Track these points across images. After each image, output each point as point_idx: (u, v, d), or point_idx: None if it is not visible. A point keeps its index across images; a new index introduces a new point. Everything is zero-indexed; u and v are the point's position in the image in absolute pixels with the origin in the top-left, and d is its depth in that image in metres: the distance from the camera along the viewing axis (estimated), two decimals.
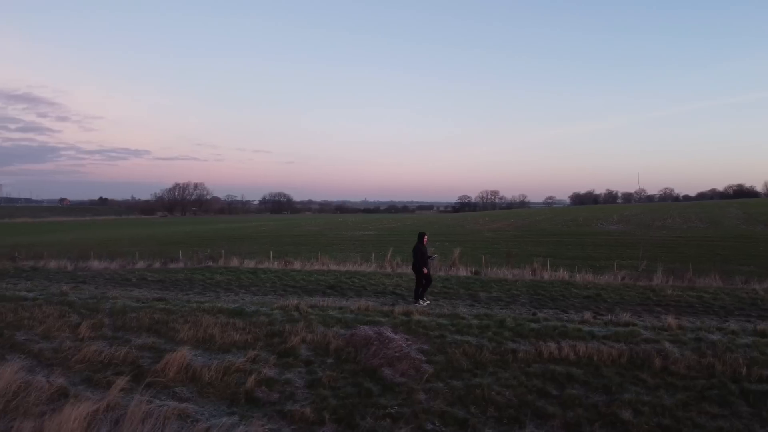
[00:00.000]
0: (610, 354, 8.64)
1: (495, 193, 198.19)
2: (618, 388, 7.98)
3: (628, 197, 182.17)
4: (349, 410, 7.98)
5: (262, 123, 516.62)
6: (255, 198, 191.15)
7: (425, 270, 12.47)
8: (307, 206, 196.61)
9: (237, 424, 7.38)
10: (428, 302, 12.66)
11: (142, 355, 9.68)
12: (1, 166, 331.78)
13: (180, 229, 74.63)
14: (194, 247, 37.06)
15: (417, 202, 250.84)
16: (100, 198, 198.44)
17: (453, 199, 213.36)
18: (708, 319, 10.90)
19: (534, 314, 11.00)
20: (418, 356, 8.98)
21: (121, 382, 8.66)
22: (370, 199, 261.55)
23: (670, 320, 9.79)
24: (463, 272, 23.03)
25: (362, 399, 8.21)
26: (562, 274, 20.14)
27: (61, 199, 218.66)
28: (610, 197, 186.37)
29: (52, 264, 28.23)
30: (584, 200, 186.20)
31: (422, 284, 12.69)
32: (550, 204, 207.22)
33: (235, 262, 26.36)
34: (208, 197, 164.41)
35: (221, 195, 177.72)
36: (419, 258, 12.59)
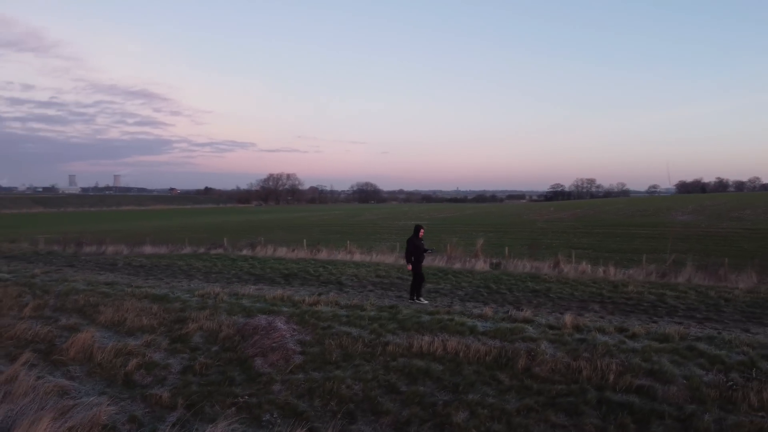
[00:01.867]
0: (478, 351, 8.14)
1: (591, 181, 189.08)
2: (467, 387, 7.53)
3: (740, 186, 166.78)
4: (204, 397, 8.12)
5: (359, 114, 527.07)
6: (345, 188, 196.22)
7: (409, 266, 11.52)
8: (394, 196, 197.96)
9: (102, 403, 7.77)
10: (427, 301, 11.52)
11: (62, 334, 10.36)
12: (120, 157, 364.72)
13: (257, 218, 78.04)
14: (251, 234, 38.54)
15: (509, 191, 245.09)
16: (206, 188, 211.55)
17: (547, 187, 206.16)
18: (635, 319, 9.89)
19: (437, 307, 10.56)
20: (293, 347, 8.93)
21: (24, 357, 9.42)
22: (462, 188, 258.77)
23: (567, 318, 9.01)
24: (480, 265, 22.33)
25: (222, 387, 8.32)
26: (583, 266, 19.04)
27: (171, 189, 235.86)
28: (720, 186, 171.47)
29: (110, 249, 30.49)
30: (691, 189, 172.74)
31: (420, 279, 11.61)
32: (653, 192, 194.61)
33: (268, 251, 27.21)
34: (300, 187, 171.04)
35: (314, 185, 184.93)
36: (410, 252, 11.50)
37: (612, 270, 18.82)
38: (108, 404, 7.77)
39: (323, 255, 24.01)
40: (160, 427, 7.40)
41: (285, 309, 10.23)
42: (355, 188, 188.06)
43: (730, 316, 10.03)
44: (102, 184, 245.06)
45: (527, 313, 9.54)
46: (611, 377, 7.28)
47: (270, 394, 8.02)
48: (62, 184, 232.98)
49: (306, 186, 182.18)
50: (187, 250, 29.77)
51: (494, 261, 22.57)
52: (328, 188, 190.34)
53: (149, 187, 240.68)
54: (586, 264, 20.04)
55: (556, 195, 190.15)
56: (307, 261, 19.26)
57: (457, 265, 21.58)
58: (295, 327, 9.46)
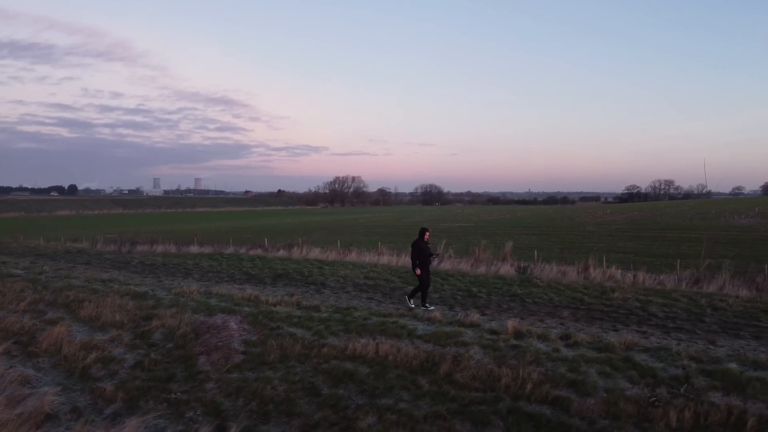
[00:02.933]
0: (407, 355, 7.95)
1: (670, 182, 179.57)
2: (385, 391, 7.38)
3: None
4: (143, 392, 8.40)
5: (429, 117, 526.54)
6: (409, 189, 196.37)
7: (417, 271, 10.57)
8: (459, 198, 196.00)
9: (54, 393, 8.26)
10: (433, 307, 10.72)
11: (44, 327, 10.99)
12: (201, 161, 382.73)
13: (314, 219, 79.40)
14: (297, 235, 39.22)
15: (584, 193, 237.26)
16: (279, 190, 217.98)
17: (622, 189, 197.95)
18: (597, 327, 9.29)
19: (398, 309, 10.33)
20: (237, 347, 9.05)
21: (2, 348, 10.09)
22: (534, 189, 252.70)
23: (510, 324, 8.59)
24: (505, 269, 21.73)
25: (161, 383, 8.57)
26: (612, 271, 18.15)
27: (246, 191, 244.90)
28: None
29: (160, 248, 31.95)
30: None
31: (423, 285, 10.77)
32: (737, 194, 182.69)
33: (303, 252, 27.60)
34: (365, 189, 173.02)
35: (381, 187, 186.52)
36: (415, 256, 10.67)
37: (642, 276, 17.80)
38: (55, 394, 8.21)
39: (353, 256, 24.12)
40: (96, 419, 7.72)
41: (246, 309, 10.38)
42: (419, 190, 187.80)
43: (707, 326, 9.24)
44: (184, 187, 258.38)
45: (475, 317, 9.21)
46: (529, 386, 6.92)
47: (201, 392, 8.16)
48: (147, 187, 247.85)
49: (373, 188, 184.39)
50: (230, 250, 30.63)
51: (522, 265, 21.87)
52: (392, 190, 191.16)
53: (227, 189, 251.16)
54: (616, 269, 19.06)
55: (632, 197, 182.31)
56: (313, 261, 19.43)
57: (482, 269, 21.06)
58: (246, 327, 9.58)
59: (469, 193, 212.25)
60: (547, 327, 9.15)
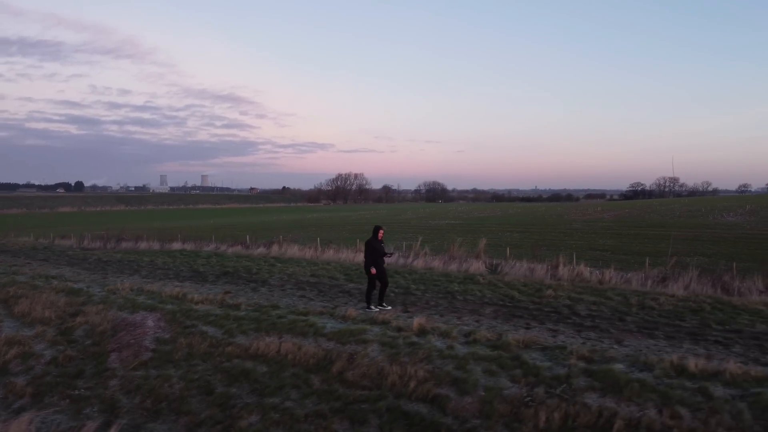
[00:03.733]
0: (307, 353, 7.92)
1: (675, 180, 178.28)
2: (276, 390, 7.36)
3: None
4: (50, 387, 8.43)
5: (435, 114, 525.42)
6: (413, 187, 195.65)
7: (372, 270, 10.22)
8: (463, 195, 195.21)
9: None
10: (390, 308, 10.44)
11: None
12: (208, 158, 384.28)
13: (309, 216, 79.28)
14: (286, 232, 39.14)
15: (590, 190, 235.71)
16: (283, 187, 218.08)
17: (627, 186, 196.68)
18: (511, 325, 9.19)
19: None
20: (148, 344, 9.05)
21: None
22: (541, 187, 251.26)
23: (415, 321, 8.53)
24: (475, 266, 21.54)
25: (70, 379, 8.60)
26: (581, 269, 17.95)
27: (251, 188, 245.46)
28: None
29: (143, 245, 31.96)
30: None
31: (374, 286, 10.44)
32: (743, 192, 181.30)
33: (281, 249, 27.49)
34: (368, 186, 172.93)
35: (386, 184, 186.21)
36: (368, 255, 10.39)
37: (609, 274, 17.66)
38: None
39: (330, 253, 24.05)
40: (2, 413, 7.78)
41: (169, 306, 10.38)
42: (422, 187, 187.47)
43: (624, 325, 9.13)
44: (190, 184, 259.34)
45: (387, 315, 9.16)
46: (412, 384, 6.86)
47: (104, 389, 8.17)
48: (154, 184, 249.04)
49: (378, 185, 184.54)
50: (211, 247, 30.53)
51: (495, 262, 21.75)
52: (395, 187, 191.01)
53: (233, 186, 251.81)
54: (585, 266, 18.91)
55: (636, 194, 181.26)
56: (269, 258, 19.34)
57: (453, 266, 20.92)
58: (162, 325, 9.58)
59: (474, 191, 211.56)
60: (458, 324, 9.08)
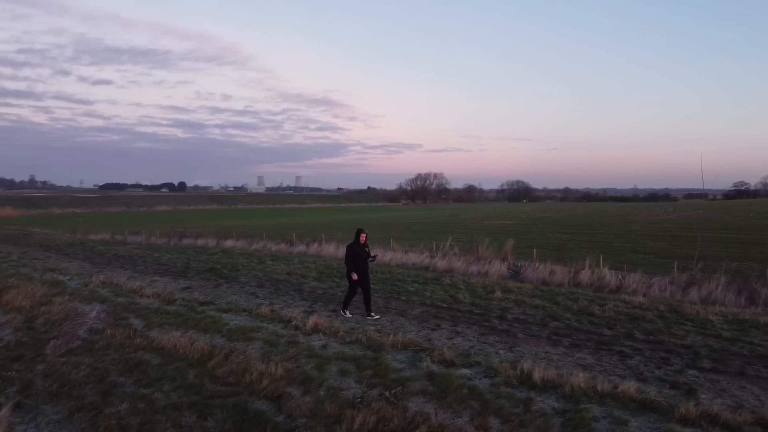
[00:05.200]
0: (196, 348, 8.18)
1: None
2: (154, 381, 7.70)
3: None
4: None
5: (526, 112, 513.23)
6: (497, 186, 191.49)
7: (354, 276, 9.64)
8: (551, 194, 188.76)
9: None
10: (377, 316, 9.80)
11: None
12: (302, 160, 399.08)
13: (370, 216, 79.90)
14: (337, 231, 39.85)
15: (690, 189, 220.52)
16: (368, 187, 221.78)
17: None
18: (416, 325, 8.95)
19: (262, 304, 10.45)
20: (81, 334, 9.70)
21: None
22: (641, 186, 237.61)
23: (311, 320, 8.53)
24: (496, 268, 21.11)
25: (11, 362, 9.34)
26: (603, 272, 17.19)
27: (338, 188, 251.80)
28: None
29: (201, 242, 33.83)
30: None
31: (355, 293, 9.94)
32: None
33: (319, 247, 28.16)
34: (447, 186, 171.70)
35: (470, 184, 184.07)
36: (349, 260, 9.80)
37: (632, 278, 16.77)
38: None
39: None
40: None
41: (120, 299, 11.04)
42: (505, 187, 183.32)
43: (537, 331, 8.60)
44: (285, 184, 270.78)
45: (295, 312, 9.27)
46: (266, 382, 6.94)
47: (29, 372, 8.86)
48: (251, 185, 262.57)
49: (461, 184, 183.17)
50: (259, 245, 31.76)
51: (518, 264, 21.21)
52: (479, 187, 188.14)
53: (324, 186, 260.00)
54: (608, 270, 18.01)
55: (740, 194, 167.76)
56: (267, 254, 19.84)
57: (473, 268, 20.63)
58: (102, 316, 10.22)
59: (567, 190, 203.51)
60: (358, 323, 9.03)
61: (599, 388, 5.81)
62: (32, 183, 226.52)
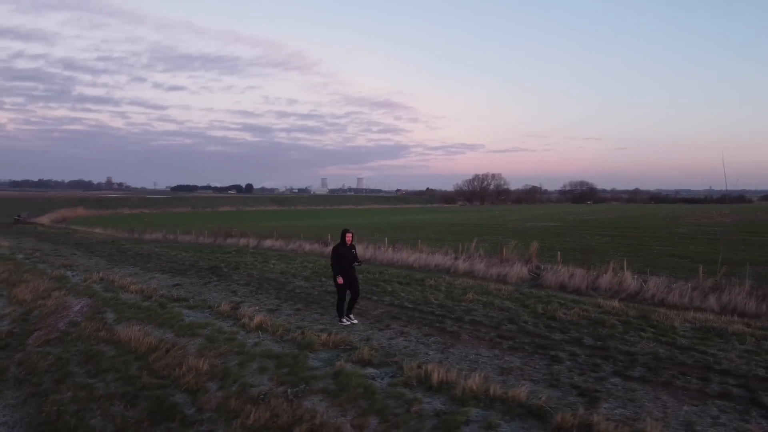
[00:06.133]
0: (147, 341, 8.54)
1: None
2: (102, 372, 8.09)
3: None
4: None
5: (595, 111, 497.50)
6: (560, 187, 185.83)
7: (339, 279, 9.11)
8: (617, 195, 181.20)
9: None
10: (356, 321, 9.47)
11: None
12: (364, 162, 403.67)
13: (417, 217, 79.50)
14: (378, 232, 40.08)
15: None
16: (427, 188, 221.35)
17: None
18: (372, 328, 8.91)
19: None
20: (61, 326, 10.29)
21: None
22: (716, 187, 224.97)
23: (257, 318, 8.67)
24: (516, 270, 20.73)
25: None
26: (624, 276, 16.66)
27: (397, 190, 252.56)
28: None
29: (243, 241, 34.88)
30: None
31: (344, 297, 9.45)
32: None
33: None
34: (506, 187, 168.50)
35: (532, 184, 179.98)
36: (335, 263, 9.22)
37: (656, 282, 16.15)
38: None
39: (389, 253, 24.46)
40: None
41: (107, 294, 11.60)
42: (567, 187, 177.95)
43: (486, 334, 8.40)
44: (347, 186, 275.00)
45: (248, 311, 9.44)
46: (190, 377, 7.16)
47: (8, 360, 9.52)
48: (315, 186, 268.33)
49: (521, 185, 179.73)
50: (295, 245, 32.41)
51: (541, 266, 20.77)
52: (541, 187, 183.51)
53: (384, 188, 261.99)
54: (632, 274, 17.38)
55: None
56: (269, 252, 20.13)
57: (493, 270, 20.35)
58: (85, 310, 10.79)
59: (636, 191, 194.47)
60: (306, 322, 9.10)
61: (491, 391, 5.65)
62: (109, 185, 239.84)
